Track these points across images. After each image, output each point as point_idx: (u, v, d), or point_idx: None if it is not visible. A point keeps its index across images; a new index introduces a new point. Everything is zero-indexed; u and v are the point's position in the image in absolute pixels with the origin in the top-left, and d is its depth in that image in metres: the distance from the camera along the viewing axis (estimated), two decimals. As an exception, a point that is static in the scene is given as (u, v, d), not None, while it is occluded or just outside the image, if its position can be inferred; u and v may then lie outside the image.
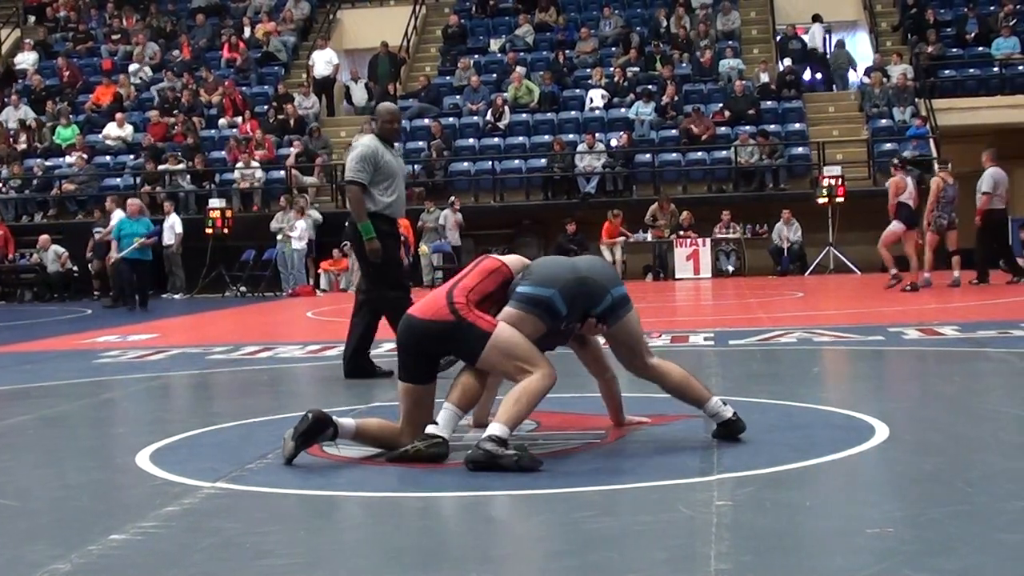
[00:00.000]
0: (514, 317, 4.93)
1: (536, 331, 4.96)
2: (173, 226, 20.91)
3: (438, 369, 5.10)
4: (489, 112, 23.74)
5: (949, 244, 15.63)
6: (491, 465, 4.55)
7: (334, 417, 4.94)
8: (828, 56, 25.12)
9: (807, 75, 25.04)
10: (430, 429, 4.86)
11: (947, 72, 23.78)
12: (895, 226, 15.41)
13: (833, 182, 20.32)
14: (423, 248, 21.05)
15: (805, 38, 25.26)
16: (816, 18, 25.24)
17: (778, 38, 25.79)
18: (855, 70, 25.17)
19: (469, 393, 4.91)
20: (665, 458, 4.94)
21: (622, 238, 21.17)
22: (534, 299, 4.94)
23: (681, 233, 21.27)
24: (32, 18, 30.26)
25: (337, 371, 8.21)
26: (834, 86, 24.93)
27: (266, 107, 24.91)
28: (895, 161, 16.64)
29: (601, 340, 5.36)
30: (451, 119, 24.12)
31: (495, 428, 4.66)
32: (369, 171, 7.58)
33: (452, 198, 21.66)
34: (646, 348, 5.27)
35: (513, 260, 5.19)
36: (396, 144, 7.91)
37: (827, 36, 25.48)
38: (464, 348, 4.92)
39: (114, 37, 28.07)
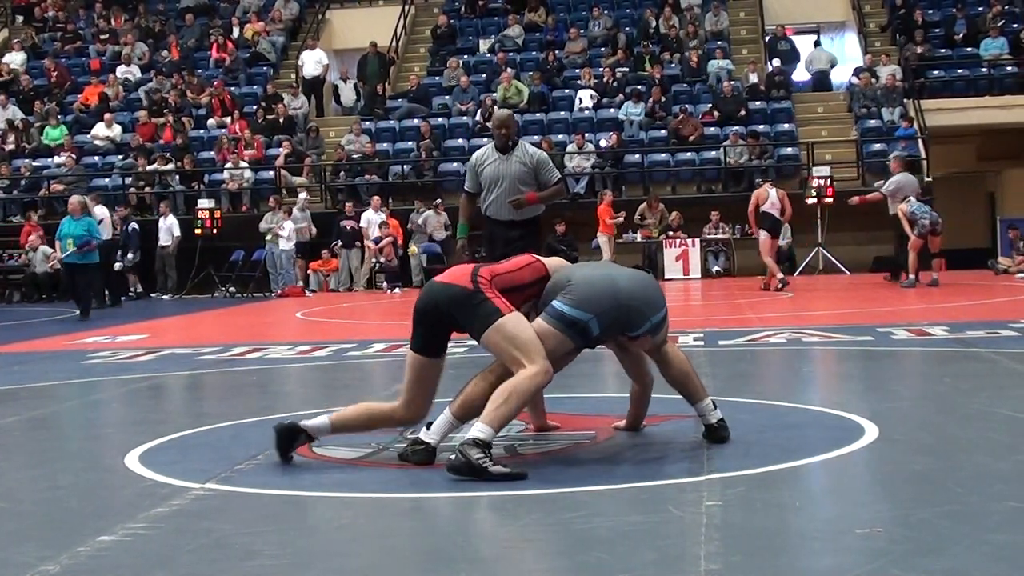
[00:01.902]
0: (544, 332, 4.82)
1: (563, 347, 4.90)
2: (171, 227, 20.93)
3: (447, 344, 5.04)
4: (478, 112, 23.72)
5: (932, 247, 15.86)
6: (473, 473, 4.45)
7: (301, 423, 4.94)
8: (831, 67, 25.10)
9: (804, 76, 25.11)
10: (421, 434, 4.85)
11: (935, 73, 23.78)
12: (762, 235, 16.29)
13: (822, 183, 20.33)
14: (412, 248, 21.02)
15: (806, 56, 25.18)
16: (817, 44, 25.22)
17: (767, 39, 25.81)
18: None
19: (468, 404, 4.82)
20: (655, 459, 4.94)
21: (614, 224, 20.68)
22: (570, 320, 4.84)
23: (670, 233, 21.26)
24: (20, 18, 30.17)
25: (327, 372, 8.20)
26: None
27: (255, 107, 24.86)
28: (758, 181, 17.76)
29: None
30: (440, 119, 24.07)
31: (479, 430, 4.55)
32: (472, 179, 7.85)
33: (438, 200, 21.50)
34: (667, 338, 5.26)
35: (552, 262, 5.18)
36: (516, 147, 7.82)
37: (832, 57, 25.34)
38: (472, 321, 4.80)
39: (102, 37, 27.97)
